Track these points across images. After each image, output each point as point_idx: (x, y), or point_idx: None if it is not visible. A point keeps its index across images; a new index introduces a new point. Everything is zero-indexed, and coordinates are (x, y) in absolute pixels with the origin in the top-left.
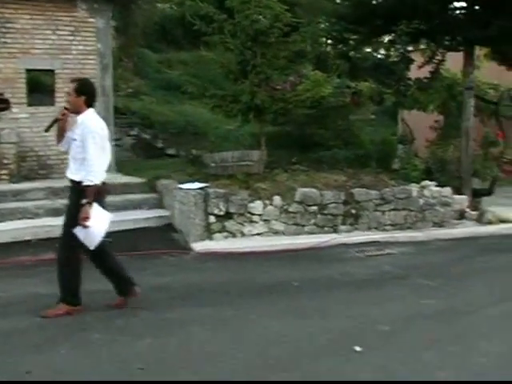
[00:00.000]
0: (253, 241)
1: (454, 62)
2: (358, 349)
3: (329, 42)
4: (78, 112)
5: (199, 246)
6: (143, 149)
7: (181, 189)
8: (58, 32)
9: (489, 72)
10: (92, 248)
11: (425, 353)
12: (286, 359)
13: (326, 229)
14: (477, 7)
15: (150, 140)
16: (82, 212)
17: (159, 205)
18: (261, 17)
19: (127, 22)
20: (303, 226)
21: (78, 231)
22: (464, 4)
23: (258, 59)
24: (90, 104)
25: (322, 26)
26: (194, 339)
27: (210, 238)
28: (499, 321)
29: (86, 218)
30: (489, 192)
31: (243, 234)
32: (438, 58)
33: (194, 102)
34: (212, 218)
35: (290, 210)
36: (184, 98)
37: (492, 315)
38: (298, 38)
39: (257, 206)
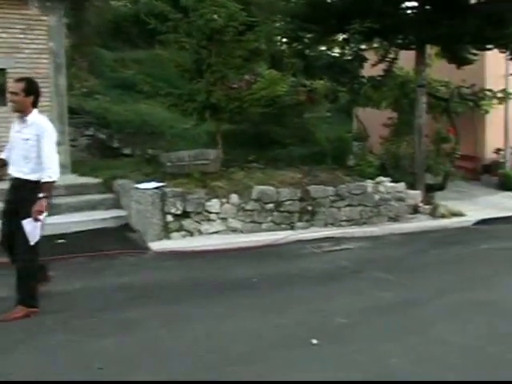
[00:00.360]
0: (210, 239)
1: (406, 60)
2: (314, 341)
3: (284, 40)
4: (23, 112)
5: (157, 246)
6: (99, 149)
7: (138, 188)
8: (9, 30)
9: (440, 70)
10: (32, 243)
11: (381, 343)
12: (245, 354)
13: (282, 226)
14: (428, 7)
15: (106, 140)
16: (37, 205)
17: (116, 205)
18: (216, 16)
19: (80, 20)
20: (260, 223)
21: (27, 223)
22: (416, 4)
23: (214, 58)
24: (35, 104)
25: (277, 24)
26: (155, 338)
27: (168, 238)
28: (452, 310)
29: (41, 212)
30: (441, 187)
31: (201, 233)
32: (391, 56)
33: (150, 101)
34: (169, 217)
35: (247, 207)
36: (139, 97)
37: (445, 305)
38: (253, 37)
39: (214, 204)
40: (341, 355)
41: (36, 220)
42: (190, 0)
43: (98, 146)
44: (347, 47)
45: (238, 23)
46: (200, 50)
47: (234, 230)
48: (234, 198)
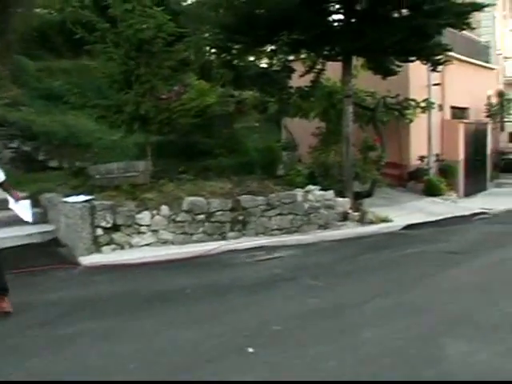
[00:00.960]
0: (142, 252)
1: (333, 71)
2: (250, 349)
3: (213, 51)
4: None
5: (87, 260)
6: (24, 162)
7: (66, 202)
8: None
9: (366, 80)
10: None
11: (316, 347)
12: (180, 365)
13: (214, 236)
14: (353, 20)
15: (31, 152)
16: None
17: (43, 219)
18: (145, 26)
19: (3, 28)
20: (192, 234)
21: None
22: (342, 16)
23: (142, 69)
24: None
25: (206, 35)
26: (87, 353)
27: (98, 251)
28: (382, 313)
29: None
30: (369, 194)
31: (132, 246)
32: (318, 67)
33: (77, 113)
34: (99, 231)
35: (178, 219)
36: (66, 108)
37: (376, 308)
38: (182, 48)
39: (144, 216)
40: (277, 362)
41: None
42: (118, 10)
43: (23, 159)
44: (275, 58)
45: (167, 34)
46: (128, 61)
47: (166, 242)
48: (165, 209)
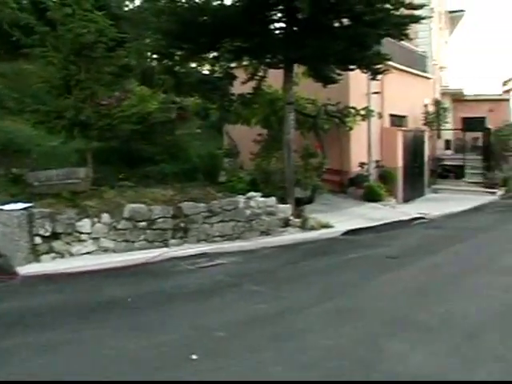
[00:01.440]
0: (83, 260)
1: (275, 78)
2: (194, 357)
3: (154, 57)
4: None
5: (26, 270)
6: None
7: (2, 210)
8: None
9: (307, 88)
10: None
11: (261, 353)
12: (125, 374)
13: (156, 244)
14: (295, 28)
15: None
16: None
17: None
18: (85, 30)
19: None
20: (133, 242)
21: None
22: (283, 25)
23: (83, 74)
24: None
25: (148, 40)
26: (28, 366)
27: (37, 261)
28: (326, 317)
29: None
30: (310, 200)
31: (72, 254)
32: (260, 74)
33: (15, 118)
34: (38, 239)
35: (119, 226)
36: (3, 114)
37: (319, 312)
38: (124, 53)
39: (85, 224)
40: (221, 368)
41: None
42: (58, 13)
43: None
44: (217, 65)
45: (108, 39)
46: (68, 66)
47: (107, 250)
48: (106, 217)
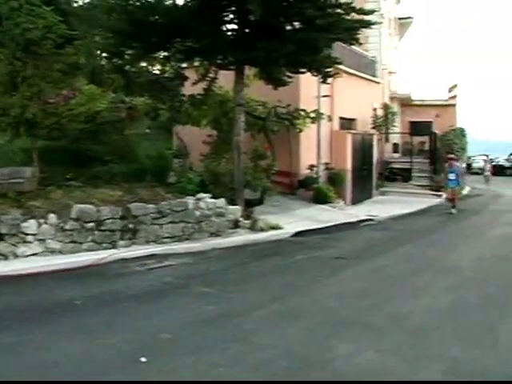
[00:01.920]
0: (28, 262)
1: (226, 79)
2: (143, 359)
3: (104, 55)
4: None
5: None
6: None
7: None
8: None
9: (258, 90)
10: None
11: (208, 354)
12: (72, 379)
13: (104, 245)
14: (247, 30)
15: None
16: None
17: None
18: (33, 26)
19: None
20: (81, 243)
21: None
22: (235, 26)
23: (30, 71)
24: None
25: (98, 39)
26: None
27: None
28: (273, 318)
29: None
30: (260, 201)
31: (17, 256)
32: (211, 75)
33: None
34: None
35: (67, 227)
36: None
37: (267, 314)
38: (72, 51)
39: (30, 225)
40: (170, 370)
41: None
42: (4, 8)
43: None
44: (168, 65)
45: (57, 35)
46: (14, 62)
47: (54, 252)
48: (53, 217)
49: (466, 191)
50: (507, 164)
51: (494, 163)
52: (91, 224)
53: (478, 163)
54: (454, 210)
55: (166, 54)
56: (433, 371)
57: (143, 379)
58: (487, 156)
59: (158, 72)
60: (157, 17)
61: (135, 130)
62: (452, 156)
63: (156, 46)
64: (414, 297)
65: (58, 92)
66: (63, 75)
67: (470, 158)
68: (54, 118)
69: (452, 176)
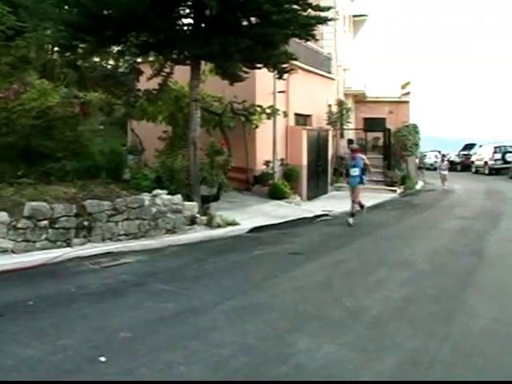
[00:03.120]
0: None
1: (181, 74)
2: (102, 359)
3: (56, 49)
4: None
5: None
6: None
7: None
8: None
9: (214, 86)
10: None
11: (167, 352)
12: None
13: (58, 243)
14: (202, 25)
15: None
16: None
17: None
18: None
19: None
20: (34, 242)
21: None
22: (191, 21)
23: None
24: None
25: (49, 32)
26: None
27: None
28: (232, 314)
29: None
30: (216, 198)
31: None
32: (167, 70)
33: None
34: None
35: (19, 225)
36: None
37: (225, 310)
38: (23, 44)
39: None
40: (130, 370)
41: None
42: None
43: None
44: (122, 59)
45: (6, 27)
46: None
47: (6, 251)
48: (4, 215)
49: (418, 186)
50: (458, 159)
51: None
52: (44, 222)
53: (430, 159)
54: (351, 220)
55: (120, 48)
56: (391, 361)
57: (105, 378)
58: (439, 152)
59: (111, 66)
60: (111, 10)
61: (89, 125)
62: (356, 147)
63: (110, 40)
64: (372, 290)
65: (7, 86)
66: (13, 69)
67: (422, 153)
68: (4, 113)
69: (355, 171)
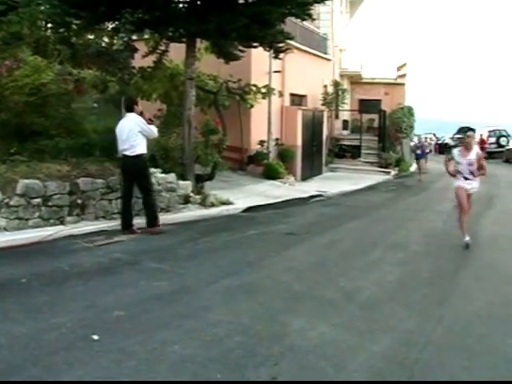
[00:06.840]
0: None
1: (176, 52)
2: (95, 337)
3: (49, 25)
4: None
5: None
6: None
7: None
8: None
9: (209, 64)
10: None
11: (161, 331)
12: (23, 361)
13: (51, 221)
14: (198, 2)
15: None
16: None
17: None
18: None
19: None
20: (27, 219)
21: None
22: None
23: None
24: None
25: (42, 7)
26: None
27: None
28: (226, 294)
29: None
30: (210, 177)
31: None
32: (162, 48)
33: None
34: None
35: (12, 203)
36: None
37: (219, 289)
38: (15, 19)
39: None
40: (123, 348)
41: None
42: None
43: None
44: (117, 36)
45: None
46: None
47: None
48: None
49: (412, 168)
50: (452, 143)
51: (439, 142)
52: (38, 200)
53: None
54: None
55: (115, 25)
56: (384, 342)
57: (97, 357)
58: (434, 135)
59: (106, 43)
60: None
61: (83, 103)
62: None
63: (105, 16)
64: (366, 271)
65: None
66: (5, 45)
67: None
68: None
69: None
